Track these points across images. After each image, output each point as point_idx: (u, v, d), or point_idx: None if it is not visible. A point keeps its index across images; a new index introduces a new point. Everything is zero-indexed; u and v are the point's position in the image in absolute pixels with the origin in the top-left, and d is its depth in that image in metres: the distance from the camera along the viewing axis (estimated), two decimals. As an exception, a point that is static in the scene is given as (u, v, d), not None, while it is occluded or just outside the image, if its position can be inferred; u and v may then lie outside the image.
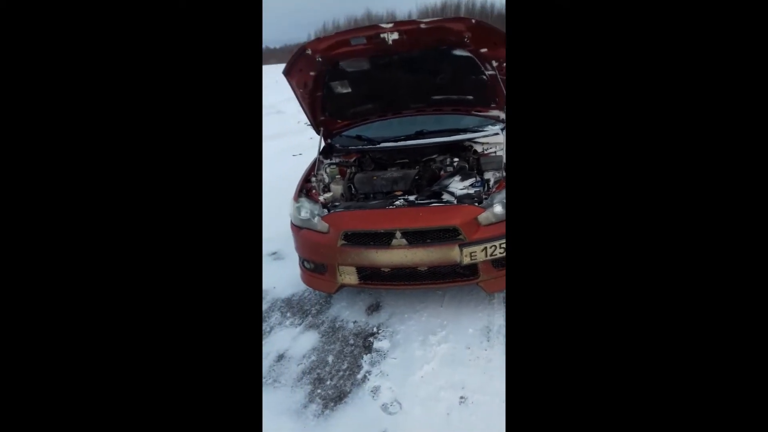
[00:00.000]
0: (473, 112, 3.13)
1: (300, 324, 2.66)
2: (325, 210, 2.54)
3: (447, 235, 2.31)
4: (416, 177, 2.79)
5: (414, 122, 3.26)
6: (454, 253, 2.29)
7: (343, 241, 2.42)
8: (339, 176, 3.02)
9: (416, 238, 2.33)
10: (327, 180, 3.01)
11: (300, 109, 3.14)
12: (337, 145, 3.31)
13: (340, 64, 2.80)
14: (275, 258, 3.55)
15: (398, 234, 2.32)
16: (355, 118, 3.22)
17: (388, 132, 3.31)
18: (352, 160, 3.19)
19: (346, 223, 2.43)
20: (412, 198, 2.52)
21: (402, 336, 2.44)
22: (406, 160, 3.20)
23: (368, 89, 2.99)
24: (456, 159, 2.99)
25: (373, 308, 2.74)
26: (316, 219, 2.51)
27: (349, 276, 2.51)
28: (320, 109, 3.06)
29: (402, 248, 2.33)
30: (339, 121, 3.23)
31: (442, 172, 2.93)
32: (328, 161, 3.16)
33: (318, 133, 3.19)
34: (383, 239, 2.36)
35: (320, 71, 2.77)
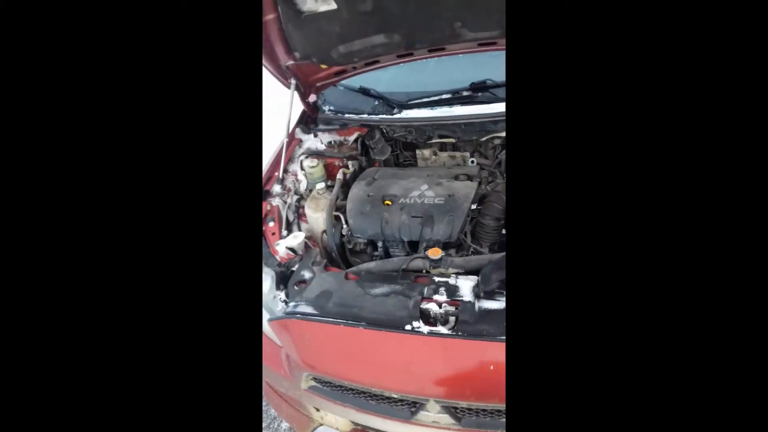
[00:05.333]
0: None
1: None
2: (281, 295, 1.19)
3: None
4: (477, 206, 1.36)
5: (463, 66, 1.73)
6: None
7: (312, 383, 1.15)
8: (324, 183, 1.61)
9: (476, 413, 1.02)
10: (302, 188, 1.62)
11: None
12: (326, 109, 1.85)
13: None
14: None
15: (433, 406, 1.01)
16: (353, 61, 1.65)
17: (418, 84, 1.81)
18: (353, 139, 1.76)
19: (311, 356, 1.10)
20: (469, 282, 1.08)
21: None
22: (452, 140, 1.74)
23: (375, 3, 1.39)
24: None
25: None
26: (266, 317, 1.21)
27: (334, 417, 1.29)
28: (283, 46, 1.52)
29: (440, 428, 1.04)
30: (323, 66, 1.67)
31: None
32: (307, 147, 1.74)
33: (287, 84, 1.68)
34: (398, 405, 1.07)
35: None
